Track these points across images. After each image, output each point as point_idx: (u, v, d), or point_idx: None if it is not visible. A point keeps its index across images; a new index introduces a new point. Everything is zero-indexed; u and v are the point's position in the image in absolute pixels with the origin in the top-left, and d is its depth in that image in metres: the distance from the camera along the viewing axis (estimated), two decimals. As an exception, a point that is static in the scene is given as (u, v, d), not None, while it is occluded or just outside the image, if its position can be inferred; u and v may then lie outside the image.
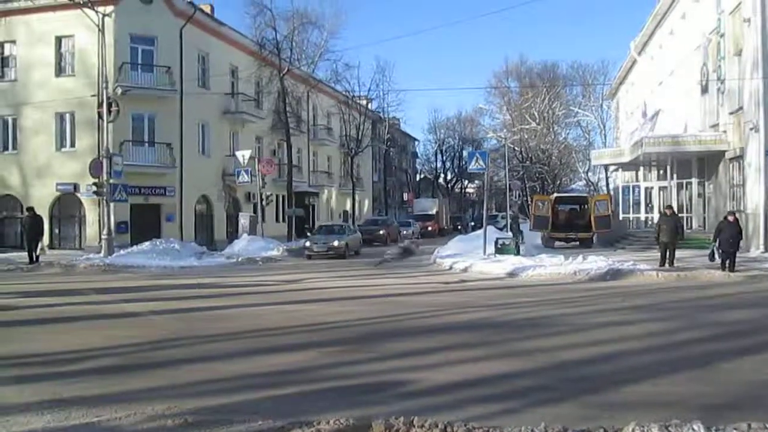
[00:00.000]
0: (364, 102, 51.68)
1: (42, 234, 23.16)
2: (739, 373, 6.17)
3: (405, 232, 39.37)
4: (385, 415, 4.60)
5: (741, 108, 20.35)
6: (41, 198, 27.21)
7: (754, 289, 13.06)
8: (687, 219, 24.96)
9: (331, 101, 46.83)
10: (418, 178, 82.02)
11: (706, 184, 24.45)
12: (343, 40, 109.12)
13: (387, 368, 6.58)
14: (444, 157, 79.63)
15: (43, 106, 27.41)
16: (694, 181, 25.07)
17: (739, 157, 20.64)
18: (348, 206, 50.64)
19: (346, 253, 25.05)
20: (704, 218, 24.67)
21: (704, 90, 23.80)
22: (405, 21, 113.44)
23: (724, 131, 21.86)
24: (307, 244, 25.45)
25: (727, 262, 15.16)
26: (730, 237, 15.11)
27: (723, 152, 21.90)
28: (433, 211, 48.44)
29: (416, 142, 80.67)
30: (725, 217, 15.91)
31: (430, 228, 45.20)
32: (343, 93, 47.07)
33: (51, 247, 26.60)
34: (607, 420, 4.56)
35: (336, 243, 25.01)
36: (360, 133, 48.99)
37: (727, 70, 21.51)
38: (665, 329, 8.56)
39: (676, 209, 21.30)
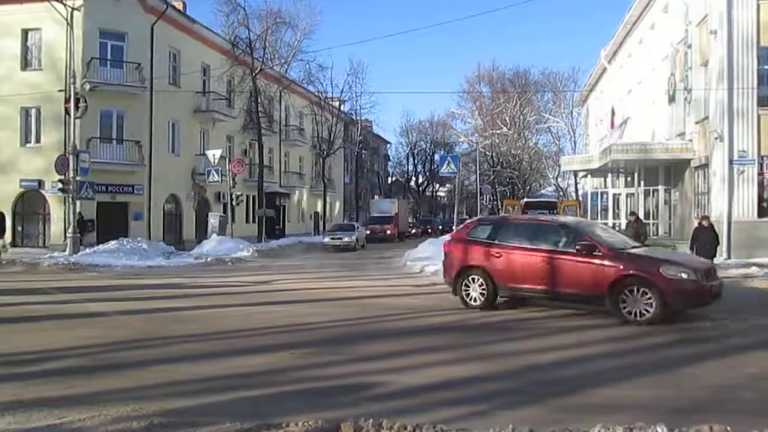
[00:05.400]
0: (336, 103, 51.62)
1: (3, 231, 22.63)
2: (702, 378, 6.29)
3: (346, 239, 32.31)
4: (354, 417, 4.59)
5: (707, 117, 20.79)
6: (4, 194, 26.55)
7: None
8: (653, 225, 25.39)
9: (304, 102, 46.69)
10: (389, 181, 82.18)
11: (673, 191, 24.90)
12: (317, 41, 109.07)
13: (357, 371, 6.56)
14: (416, 160, 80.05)
15: (8, 100, 26.76)
16: (661, 188, 25.52)
17: (705, 166, 21.06)
18: (319, 207, 50.47)
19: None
20: (670, 225, 25.12)
21: (671, 99, 24.27)
22: (379, 24, 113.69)
23: (690, 140, 22.30)
24: None
25: None
26: (707, 243, 14.92)
27: (689, 160, 22.34)
28: (392, 213, 43.88)
29: (388, 145, 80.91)
30: (699, 223, 15.77)
31: (388, 231, 40.98)
32: (316, 94, 46.93)
33: (14, 245, 25.96)
34: (573, 423, 4.60)
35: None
36: (332, 135, 48.88)
37: (693, 80, 21.95)
38: (632, 333, 8.68)
39: (642, 216, 21.66)
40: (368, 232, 39.69)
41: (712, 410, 5.14)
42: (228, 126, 35.50)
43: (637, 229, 16.86)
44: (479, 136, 57.89)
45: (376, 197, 58.57)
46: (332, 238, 32.59)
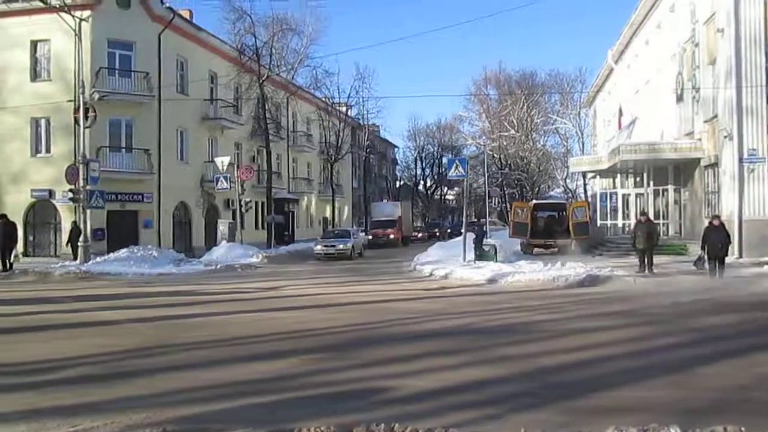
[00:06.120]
0: (343, 109, 51.70)
1: (16, 241, 22.79)
2: (715, 378, 6.24)
3: (341, 247, 28.70)
4: (366, 422, 4.58)
5: (715, 116, 20.67)
6: (15, 204, 26.74)
7: (730, 294, 13.19)
8: (663, 225, 25.26)
9: (311, 108, 46.78)
10: (398, 185, 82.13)
11: (682, 191, 24.77)
12: (323, 46, 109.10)
13: (368, 375, 6.55)
14: (423, 164, 79.98)
15: (18, 111, 27.01)
16: (670, 188, 25.38)
17: (714, 165, 20.94)
18: (328, 213, 50.52)
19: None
20: (680, 225, 24.98)
21: (679, 98, 24.14)
22: (384, 28, 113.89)
23: (699, 139, 22.19)
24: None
25: (717, 267, 14.93)
26: (718, 242, 14.95)
27: (698, 160, 22.21)
28: (395, 217, 42.08)
29: (396, 149, 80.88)
30: (710, 222, 15.80)
31: (391, 236, 39.76)
32: (323, 99, 47.02)
33: (25, 254, 26.17)
34: (586, 425, 4.58)
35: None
36: (340, 140, 48.96)
37: (701, 79, 21.85)
38: (643, 334, 8.63)
39: (652, 216, 21.55)
40: (369, 237, 38.97)
41: (726, 411, 5.11)
42: (236, 133, 35.66)
43: (649, 229, 16.84)
44: (487, 138, 57.68)
45: (384, 200, 58.43)
46: (325, 246, 28.83)
